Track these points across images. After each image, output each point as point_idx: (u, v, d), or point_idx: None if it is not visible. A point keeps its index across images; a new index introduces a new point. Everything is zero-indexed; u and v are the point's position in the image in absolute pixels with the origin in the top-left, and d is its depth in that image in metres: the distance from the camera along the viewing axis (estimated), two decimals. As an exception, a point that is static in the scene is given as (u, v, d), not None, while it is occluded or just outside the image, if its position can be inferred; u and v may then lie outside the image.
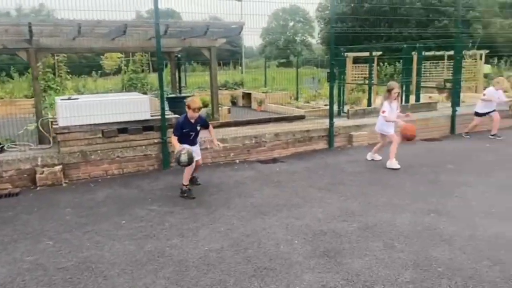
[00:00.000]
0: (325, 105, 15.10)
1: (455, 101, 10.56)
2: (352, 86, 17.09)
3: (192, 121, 5.56)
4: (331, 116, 8.22)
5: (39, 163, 6.24)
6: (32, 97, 10.70)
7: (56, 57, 16.06)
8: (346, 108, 12.91)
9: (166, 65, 13.43)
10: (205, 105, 11.41)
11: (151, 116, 7.00)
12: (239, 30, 7.44)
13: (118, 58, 21.25)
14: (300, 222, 4.57)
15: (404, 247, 3.89)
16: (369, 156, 7.24)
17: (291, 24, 61.04)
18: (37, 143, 7.15)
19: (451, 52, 20.62)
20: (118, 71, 21.64)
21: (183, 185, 5.55)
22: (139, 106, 6.88)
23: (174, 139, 5.47)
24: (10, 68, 19.86)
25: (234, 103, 18.12)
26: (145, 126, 6.88)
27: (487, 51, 21.24)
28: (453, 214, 4.67)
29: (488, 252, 3.72)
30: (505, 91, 9.38)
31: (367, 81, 14.55)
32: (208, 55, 8.90)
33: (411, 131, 6.78)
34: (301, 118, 9.51)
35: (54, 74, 15.80)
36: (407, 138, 6.83)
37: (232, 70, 31.25)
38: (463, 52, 20.05)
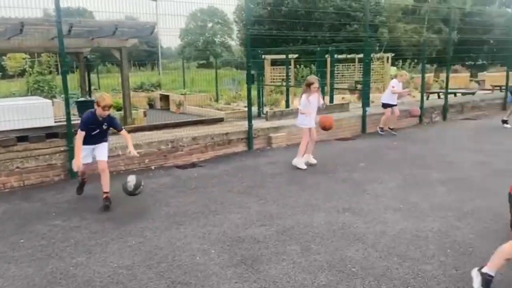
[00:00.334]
0: (245, 106, 15.17)
1: (365, 102, 11.11)
2: (272, 87, 17.34)
3: (100, 118, 5.15)
4: (249, 118, 8.19)
5: None
6: None
7: None
8: (266, 109, 13.04)
9: (77, 67, 12.59)
10: (118, 109, 10.86)
11: (56, 122, 6.44)
12: (150, 30, 7.13)
13: (23, 59, 19.57)
14: (217, 229, 4.42)
15: (320, 248, 3.91)
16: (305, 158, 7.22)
17: (209, 25, 60.80)
18: None
19: (361, 55, 21.85)
20: (23, 72, 19.94)
21: (104, 192, 5.14)
22: (41, 111, 6.30)
23: (79, 138, 5.02)
24: None
25: (151, 105, 17.53)
26: (48, 133, 6.31)
27: (393, 54, 22.78)
28: (365, 212, 4.82)
29: (398, 249, 3.86)
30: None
31: (284, 83, 14.85)
32: (119, 56, 8.43)
33: (328, 121, 7.05)
34: (220, 120, 9.39)
35: None
36: (324, 128, 7.06)
37: (150, 71, 30.30)
38: (372, 55, 21.32)
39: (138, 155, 5.54)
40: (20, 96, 13.76)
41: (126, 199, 5.16)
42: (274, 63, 19.60)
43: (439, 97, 14.38)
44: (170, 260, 3.76)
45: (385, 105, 9.55)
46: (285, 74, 17.07)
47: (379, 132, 9.51)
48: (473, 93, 14.99)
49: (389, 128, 9.51)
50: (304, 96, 6.83)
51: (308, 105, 6.75)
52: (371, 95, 14.28)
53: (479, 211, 4.74)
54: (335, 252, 3.82)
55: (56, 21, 6.11)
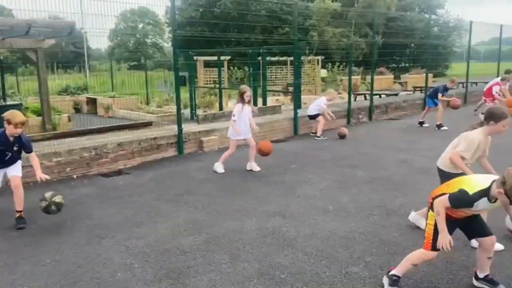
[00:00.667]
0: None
1: (297, 104, 11.27)
2: (205, 89, 17.13)
3: (11, 139, 4.66)
4: (179, 122, 7.94)
5: None
6: None
7: None
8: (199, 112, 12.83)
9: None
10: (39, 114, 10.11)
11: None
12: (68, 30, 6.66)
13: None
14: (142, 242, 4.18)
15: (249, 256, 3.81)
16: (248, 166, 6.98)
17: (140, 26, 59.13)
18: None
19: (293, 58, 22.27)
20: None
21: (17, 211, 4.66)
22: None
23: None
24: None
25: (78, 110, 16.59)
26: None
27: (323, 57, 23.47)
28: (295, 215, 4.81)
29: (326, 251, 3.87)
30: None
31: (217, 85, 14.70)
32: (35, 58, 7.82)
33: (266, 147, 6.85)
34: (148, 124, 9.03)
35: None
36: (262, 154, 6.87)
37: (77, 74, 28.77)
38: (302, 58, 21.81)
39: (46, 179, 4.76)
40: None
41: (42, 213, 4.73)
42: (208, 65, 19.40)
43: (365, 98, 14.97)
44: (88, 279, 3.47)
45: (312, 117, 9.71)
46: (222, 76, 16.99)
47: (321, 138, 9.53)
48: (396, 94, 15.80)
49: (316, 136, 9.58)
50: (238, 106, 6.73)
51: (242, 114, 6.65)
52: (303, 97, 14.58)
53: (402, 209, 4.91)
54: (264, 259, 3.74)
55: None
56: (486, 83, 12.16)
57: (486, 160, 4.03)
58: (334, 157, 7.65)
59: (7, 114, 4.60)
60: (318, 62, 23.34)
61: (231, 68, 24.85)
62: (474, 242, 3.83)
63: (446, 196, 2.99)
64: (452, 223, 3.10)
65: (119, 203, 5.40)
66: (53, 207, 4.59)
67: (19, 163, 4.86)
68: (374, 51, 13.08)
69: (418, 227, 4.25)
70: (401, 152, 7.94)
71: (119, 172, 6.92)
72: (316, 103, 9.85)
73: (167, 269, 3.62)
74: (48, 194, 4.65)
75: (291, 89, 13.66)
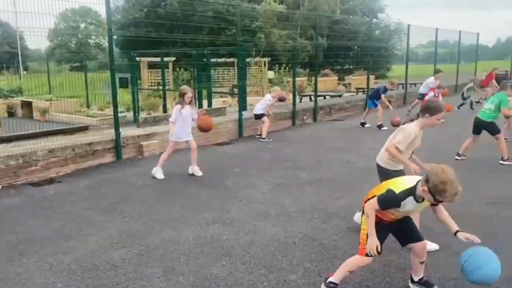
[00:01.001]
0: (121, 111, 14.26)
1: (242, 106, 11.14)
2: (150, 91, 16.63)
3: None
4: (116, 126, 7.57)
5: None
6: None
7: None
8: (143, 114, 12.40)
9: None
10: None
11: None
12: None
13: None
14: (69, 257, 3.85)
15: (184, 268, 3.61)
16: (190, 170, 6.70)
17: (82, 26, 56.82)
18: None
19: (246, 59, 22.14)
20: None
21: None
22: None
23: None
24: None
25: (11, 114, 15.54)
26: None
27: (269, 58, 23.57)
28: (236, 221, 4.66)
29: (265, 259, 3.74)
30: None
31: (161, 87, 14.29)
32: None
33: (205, 123, 6.71)
34: (84, 129, 8.55)
35: None
36: (202, 130, 6.73)
37: (13, 75, 27.01)
38: (250, 59, 21.78)
39: None
40: None
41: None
42: (153, 66, 18.87)
43: (310, 99, 15.12)
44: (1, 304, 3.13)
45: (258, 116, 9.61)
46: (167, 77, 16.56)
47: (266, 140, 9.39)
48: (340, 95, 16.12)
49: (261, 138, 9.48)
50: (177, 107, 6.48)
51: (179, 117, 6.41)
52: (250, 98, 14.50)
53: (343, 211, 4.89)
54: (200, 271, 3.55)
55: None
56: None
57: (414, 155, 4.08)
58: (278, 159, 7.59)
59: None
60: (264, 63, 23.43)
61: (177, 69, 24.38)
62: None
63: (375, 199, 2.96)
64: (384, 228, 3.07)
65: (48, 214, 5.01)
66: None
67: None
68: (319, 53, 13.27)
69: (358, 229, 4.22)
70: (344, 153, 8.02)
71: (50, 181, 6.46)
72: (261, 102, 9.78)
73: (93, 286, 3.34)
74: None
75: (236, 90, 13.52)
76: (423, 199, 2.83)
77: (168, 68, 18.76)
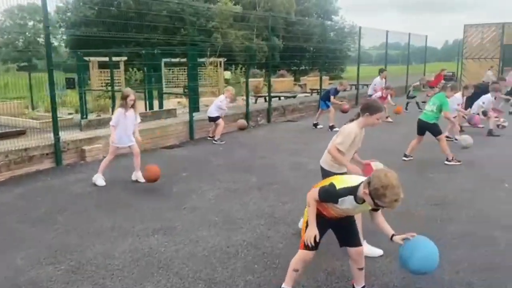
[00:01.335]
0: (69, 113, 13.58)
1: (194, 107, 10.88)
2: (100, 92, 15.98)
3: None
4: (55, 130, 7.12)
5: None
6: None
7: None
8: (92, 116, 11.87)
9: None
10: None
11: None
12: None
13: None
14: (-14, 278, 3.48)
15: (116, 285, 3.34)
16: (133, 176, 6.32)
17: (30, 23, 54.27)
18: None
19: (201, 60, 21.78)
20: None
21: None
22: None
23: None
24: None
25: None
26: None
27: (225, 59, 23.34)
28: (178, 231, 4.42)
29: (205, 272, 3.53)
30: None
31: (110, 88, 13.74)
32: None
33: (153, 174, 5.84)
34: (21, 133, 7.99)
35: None
36: (150, 180, 6.01)
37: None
38: (205, 60, 21.46)
39: None
40: None
41: None
42: (105, 66, 18.17)
43: (265, 100, 15.04)
44: None
45: (212, 118, 9.35)
46: (116, 78, 15.92)
47: (218, 142, 9.14)
48: (294, 96, 16.15)
49: (214, 140, 9.24)
50: (119, 110, 6.13)
51: (121, 121, 6.07)
52: (205, 99, 14.23)
53: (290, 216, 4.77)
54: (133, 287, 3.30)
55: None
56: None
57: (356, 155, 4.01)
58: (229, 163, 7.40)
59: None
60: (220, 64, 23.17)
61: (130, 69, 23.68)
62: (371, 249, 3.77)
63: (317, 189, 2.89)
64: (324, 222, 2.98)
65: (-30, 229, 4.56)
66: None
67: None
68: (272, 53, 13.18)
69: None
70: (295, 155, 7.94)
71: (-21, 191, 5.95)
72: (215, 103, 9.48)
73: (11, 312, 3.01)
74: None
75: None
76: (364, 201, 2.73)
77: (119, 68, 18.15)
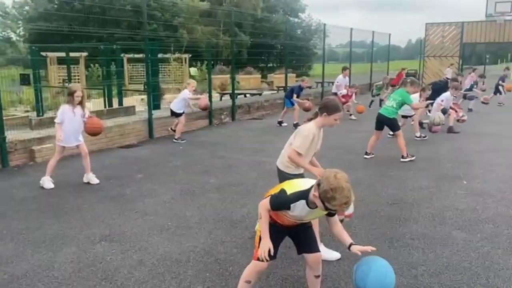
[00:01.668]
0: (26, 111, 12.92)
1: (155, 104, 10.54)
2: (59, 89, 15.32)
3: None
4: (0, 129, 6.65)
5: None
6: None
7: None
8: (50, 114, 11.30)
9: None
10: None
11: None
12: None
13: None
14: None
15: (51, 301, 3.06)
16: (85, 179, 5.98)
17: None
18: None
19: (160, 55, 21.30)
20: None
21: None
22: None
23: None
24: None
25: None
26: None
27: (190, 55, 22.92)
28: (127, 237, 4.14)
29: (152, 283, 3.28)
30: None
31: (67, 84, 13.16)
32: None
33: (93, 127, 5.89)
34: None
35: None
36: (91, 133, 5.99)
37: None
38: (169, 56, 21.00)
39: None
40: None
41: None
42: (64, 62, 17.46)
43: (231, 97, 14.81)
44: None
45: (175, 114, 8.97)
46: (77, 74, 15.36)
47: (179, 141, 8.82)
48: (260, 94, 15.98)
49: (174, 139, 8.91)
50: (65, 107, 5.75)
51: (67, 119, 5.69)
52: (169, 96, 13.83)
53: (247, 219, 4.58)
54: (70, 303, 3.02)
55: None
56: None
57: (314, 158, 3.86)
58: (188, 163, 7.14)
59: None
60: (185, 60, 22.75)
61: (92, 65, 22.93)
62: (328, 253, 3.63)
63: (268, 198, 2.70)
64: (279, 231, 2.80)
65: None
66: None
67: None
68: (239, 50, 12.97)
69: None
70: (258, 154, 7.76)
71: None
72: (180, 97, 9.08)
73: None
74: None
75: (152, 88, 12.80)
76: (317, 206, 2.57)
77: (77, 63, 17.49)
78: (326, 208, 2.47)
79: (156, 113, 9.78)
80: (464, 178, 6.09)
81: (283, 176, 3.72)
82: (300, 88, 10.62)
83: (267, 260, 2.66)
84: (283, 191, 2.65)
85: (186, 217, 4.65)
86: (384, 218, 4.59)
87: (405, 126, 8.83)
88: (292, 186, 2.68)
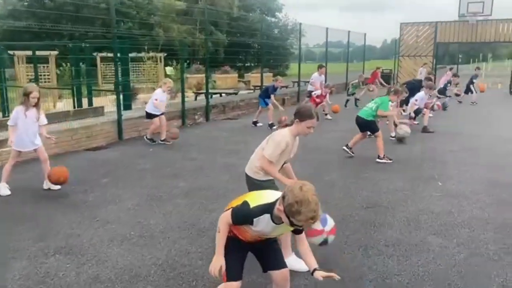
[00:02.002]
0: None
1: (125, 105, 10.19)
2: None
3: None
4: (-47, 133, 6.22)
5: None
6: None
7: None
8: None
9: None
10: None
11: None
12: None
13: None
14: None
15: (-9, 326, 2.75)
16: (45, 185, 5.59)
17: None
18: None
19: (133, 54, 20.78)
20: None
21: None
22: None
23: None
24: None
25: None
26: None
27: (165, 54, 22.47)
28: (85, 249, 3.84)
29: (106, 301, 3.02)
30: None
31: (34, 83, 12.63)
32: None
33: (58, 175, 5.35)
34: None
35: None
36: (57, 183, 5.47)
37: None
38: (143, 54, 20.52)
39: None
40: None
41: None
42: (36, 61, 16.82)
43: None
44: None
45: (150, 115, 8.52)
46: (47, 73, 14.81)
47: (149, 142, 8.45)
48: (236, 93, 15.73)
49: (161, 140, 8.49)
50: (19, 108, 5.37)
51: (23, 120, 5.33)
52: (144, 96, 13.44)
53: (216, 226, 4.27)
54: (11, 328, 2.72)
55: None
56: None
57: (289, 164, 3.65)
58: (157, 165, 6.84)
59: None
60: (160, 59, 22.29)
61: (64, 64, 22.23)
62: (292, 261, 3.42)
63: (230, 211, 2.47)
64: (242, 247, 2.59)
65: None
66: None
67: None
68: (216, 48, 12.70)
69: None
70: (230, 156, 7.52)
71: None
72: (152, 97, 8.61)
73: None
74: None
75: (120, 88, 12.38)
76: (282, 221, 2.35)
77: (47, 63, 16.85)
78: (292, 224, 2.26)
79: (127, 114, 9.44)
80: (439, 179, 5.99)
81: (252, 183, 3.50)
82: (274, 88, 10.43)
83: (235, 277, 2.45)
84: (245, 203, 2.42)
85: (150, 226, 4.38)
86: (358, 223, 4.42)
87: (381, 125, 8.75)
88: (256, 198, 2.45)
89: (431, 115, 10.28)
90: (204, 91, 17.23)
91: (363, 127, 7.23)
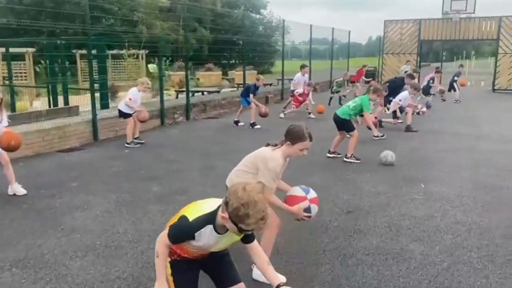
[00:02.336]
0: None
1: (103, 104, 9.88)
2: (6, 88, 14.21)
3: None
4: None
5: None
6: None
7: None
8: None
9: None
10: None
11: None
12: None
13: None
14: None
15: None
16: (10, 190, 5.26)
17: None
18: None
19: (114, 51, 20.33)
20: None
21: None
22: None
23: None
24: None
25: None
26: None
27: (147, 51, 22.04)
28: (44, 261, 3.57)
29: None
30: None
31: (7, 82, 12.18)
32: None
33: (7, 141, 4.99)
34: None
35: None
36: (8, 149, 5.20)
37: None
38: (123, 52, 20.09)
39: None
40: None
41: None
42: (12, 58, 16.31)
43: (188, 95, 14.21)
44: None
45: (122, 114, 8.15)
46: (24, 71, 14.34)
47: (128, 146, 8.06)
48: (218, 91, 15.47)
49: (134, 139, 8.22)
50: None
51: None
52: (124, 94, 13.02)
53: (188, 234, 4.09)
54: None
55: None
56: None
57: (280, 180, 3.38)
58: (131, 168, 6.55)
59: None
60: (142, 56, 21.87)
61: (43, 62, 21.66)
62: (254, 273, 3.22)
63: (167, 230, 2.24)
64: (191, 265, 2.36)
65: None
66: None
67: None
68: (188, 46, 12.36)
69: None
70: (210, 157, 7.27)
71: None
72: (126, 96, 8.28)
73: None
74: None
75: (96, 86, 11.98)
76: (227, 229, 2.12)
77: (23, 59, 16.36)
78: (241, 230, 2.04)
79: (104, 113, 9.12)
80: (422, 181, 5.84)
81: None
82: (256, 87, 10.20)
83: None
84: (183, 218, 2.19)
85: (118, 234, 4.11)
86: (337, 229, 4.22)
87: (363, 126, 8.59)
88: (194, 210, 2.22)
89: (424, 110, 10.19)
90: (184, 89, 17.00)
91: (339, 126, 7.09)
